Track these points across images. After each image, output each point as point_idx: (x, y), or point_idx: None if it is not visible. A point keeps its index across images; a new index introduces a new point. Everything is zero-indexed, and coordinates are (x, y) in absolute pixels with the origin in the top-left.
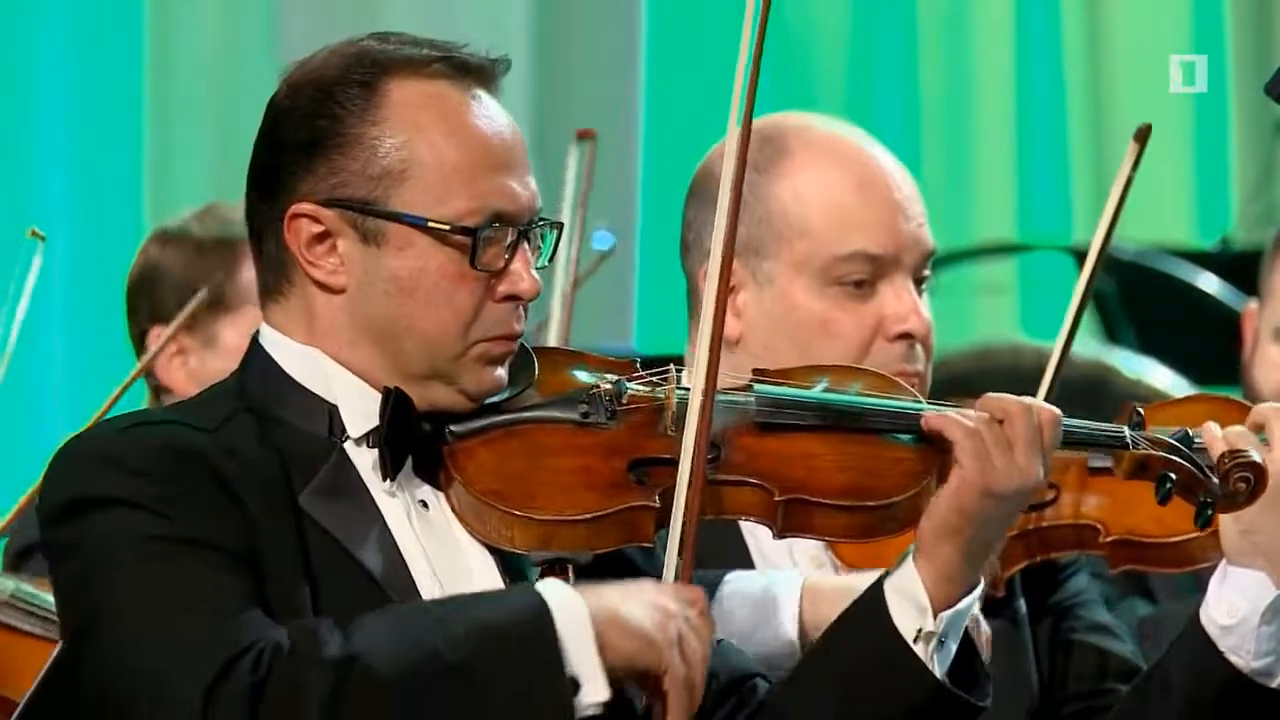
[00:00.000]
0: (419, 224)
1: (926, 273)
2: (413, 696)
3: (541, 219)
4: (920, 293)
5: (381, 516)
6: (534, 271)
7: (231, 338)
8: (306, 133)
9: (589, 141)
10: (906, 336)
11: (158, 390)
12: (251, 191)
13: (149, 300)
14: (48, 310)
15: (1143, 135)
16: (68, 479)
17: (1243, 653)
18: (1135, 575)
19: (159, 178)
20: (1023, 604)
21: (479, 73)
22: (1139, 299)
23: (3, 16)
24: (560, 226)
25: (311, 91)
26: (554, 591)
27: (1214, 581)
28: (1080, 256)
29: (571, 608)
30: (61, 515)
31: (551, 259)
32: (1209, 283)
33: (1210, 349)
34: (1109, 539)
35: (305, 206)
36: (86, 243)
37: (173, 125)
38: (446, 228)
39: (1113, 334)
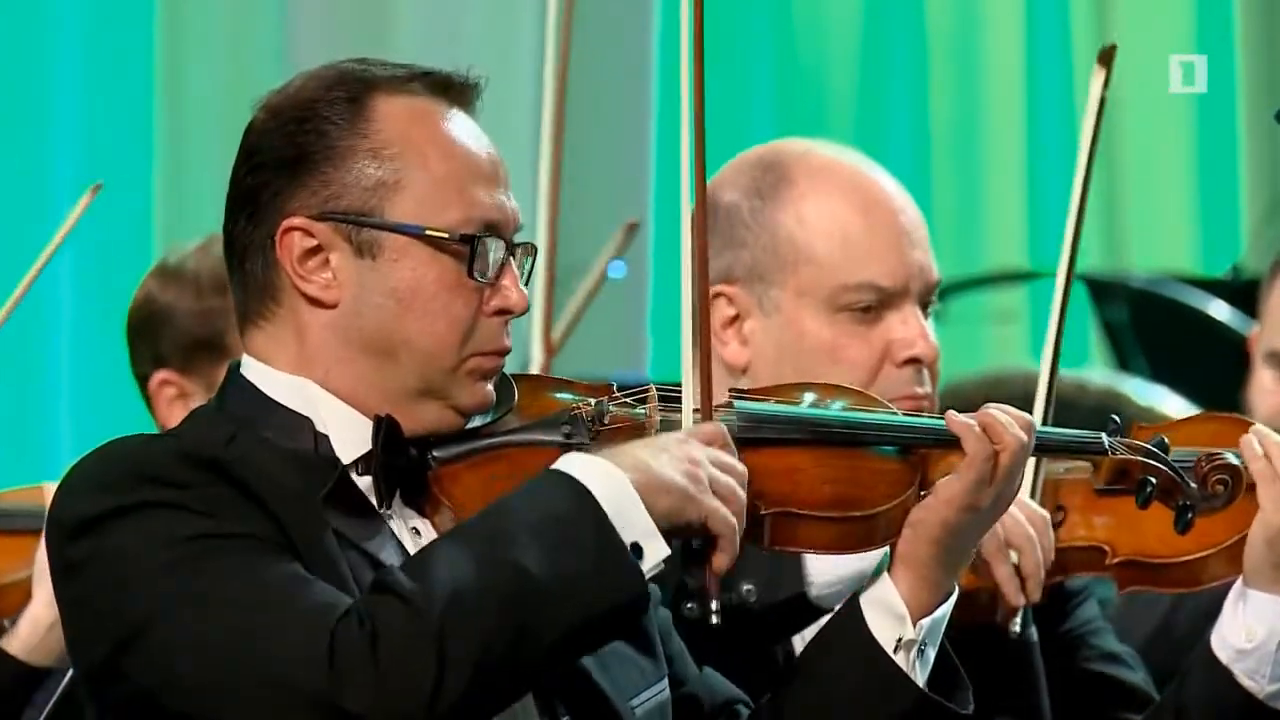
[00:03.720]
0: (416, 233)
1: (933, 298)
2: (516, 617)
3: (522, 241)
4: (926, 316)
5: (392, 533)
6: (522, 287)
7: None
8: (292, 150)
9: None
10: (914, 361)
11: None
12: (233, 216)
13: (151, 344)
14: (55, 331)
15: (1107, 57)
16: (83, 495)
17: (1258, 677)
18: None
19: (170, 196)
20: (1034, 632)
21: (458, 91)
22: (1151, 327)
23: (15, 38)
24: (535, 250)
25: (294, 111)
26: (585, 470)
27: (1229, 605)
28: (1093, 284)
29: (610, 483)
30: (77, 531)
31: (526, 283)
32: (1220, 311)
33: (1222, 377)
34: (1116, 560)
35: (297, 220)
36: (96, 263)
37: (184, 147)
38: (445, 236)
39: (1125, 362)
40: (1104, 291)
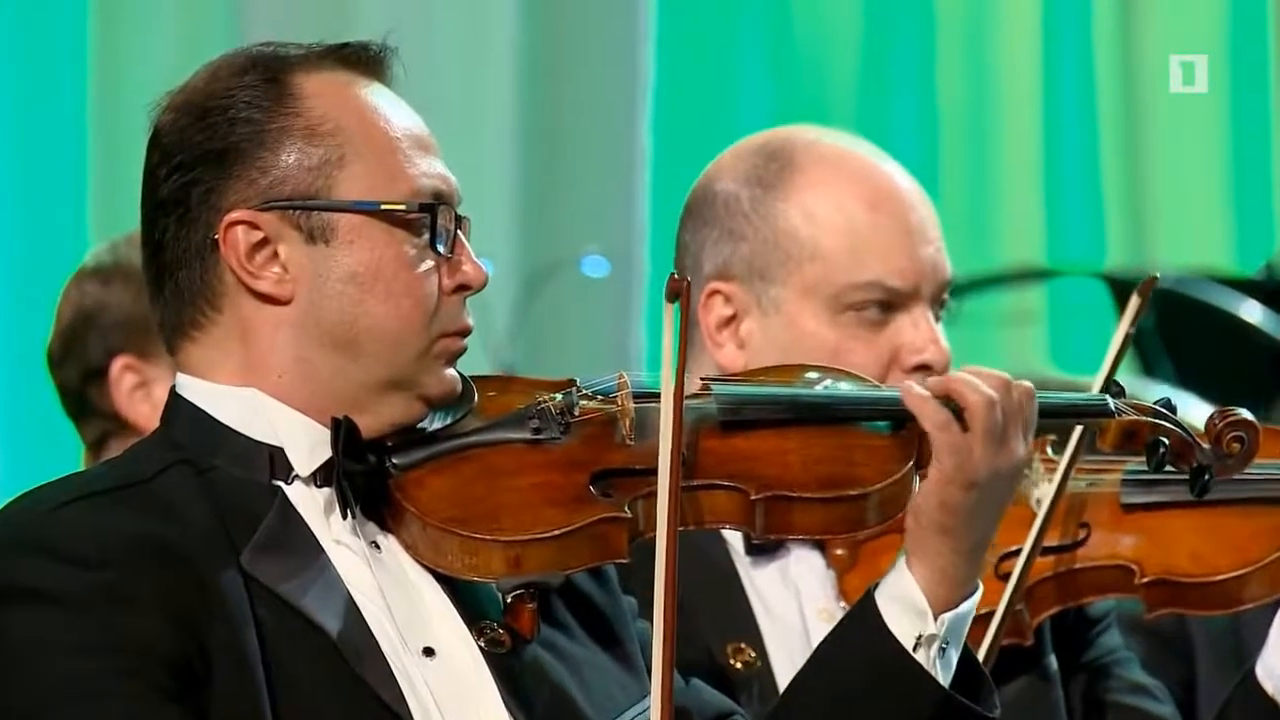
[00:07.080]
0: (371, 210)
1: (945, 297)
2: None
3: (463, 214)
4: (937, 319)
5: (332, 568)
6: (476, 260)
7: None
8: (218, 142)
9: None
10: (924, 368)
11: (101, 440)
12: (157, 225)
13: (100, 334)
14: None
15: (1146, 289)
16: None
17: None
18: (1178, 643)
19: (105, 208)
20: (1053, 660)
21: (374, 63)
22: (1178, 329)
23: None
24: (470, 223)
25: (210, 102)
26: None
27: (1276, 631)
28: (1114, 283)
29: None
30: None
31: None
32: (1252, 312)
33: (1253, 383)
34: (1145, 580)
35: (240, 214)
36: (29, 274)
37: (120, 152)
38: (402, 208)
39: (1149, 367)
40: (1128, 291)
